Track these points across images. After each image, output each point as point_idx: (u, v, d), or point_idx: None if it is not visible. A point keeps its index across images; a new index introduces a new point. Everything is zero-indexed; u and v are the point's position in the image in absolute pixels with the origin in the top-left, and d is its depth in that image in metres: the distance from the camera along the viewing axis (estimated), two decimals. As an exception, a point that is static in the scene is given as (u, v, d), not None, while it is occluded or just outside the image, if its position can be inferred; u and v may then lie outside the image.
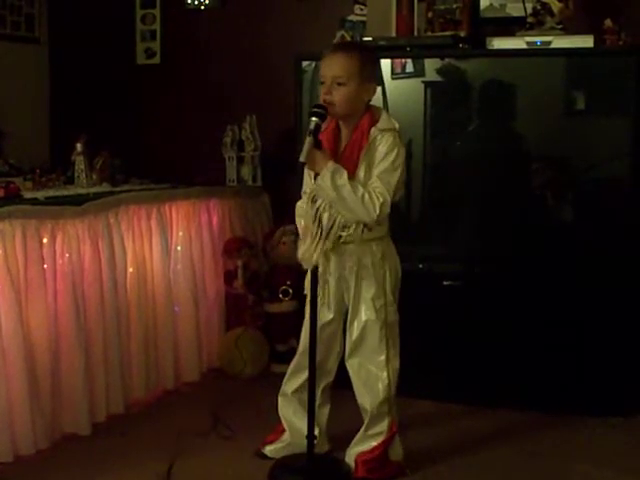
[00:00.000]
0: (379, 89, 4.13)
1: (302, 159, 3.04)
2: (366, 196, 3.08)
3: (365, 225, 3.19)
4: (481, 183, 4.18)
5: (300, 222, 3.30)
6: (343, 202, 3.10)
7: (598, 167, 4.01)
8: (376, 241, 3.25)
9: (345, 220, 3.17)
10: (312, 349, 3.20)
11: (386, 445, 3.30)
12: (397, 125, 3.21)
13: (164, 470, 3.33)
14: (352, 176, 3.13)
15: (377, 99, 4.13)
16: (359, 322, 3.28)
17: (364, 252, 3.24)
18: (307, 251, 3.21)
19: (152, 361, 4.16)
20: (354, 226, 3.19)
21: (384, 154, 3.14)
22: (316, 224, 3.19)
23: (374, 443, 3.30)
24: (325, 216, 3.19)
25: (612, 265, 3.97)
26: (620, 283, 3.96)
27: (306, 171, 3.23)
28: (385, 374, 3.26)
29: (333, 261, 3.26)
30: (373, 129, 3.16)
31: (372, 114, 3.21)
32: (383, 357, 3.26)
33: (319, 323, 3.25)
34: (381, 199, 3.09)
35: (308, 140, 3.05)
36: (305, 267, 3.27)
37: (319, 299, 3.25)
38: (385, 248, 3.28)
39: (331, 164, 3.08)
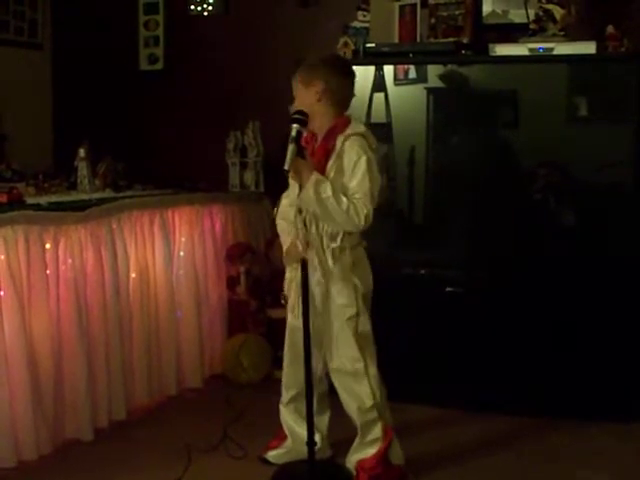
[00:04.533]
0: (382, 95, 4.18)
1: (286, 167, 3.06)
2: (351, 207, 3.09)
3: (337, 233, 3.20)
4: (484, 189, 4.18)
5: (281, 223, 3.35)
6: (327, 214, 3.11)
7: (601, 173, 4.01)
8: (347, 250, 3.23)
9: (332, 230, 3.20)
10: (307, 352, 3.19)
11: (385, 451, 3.29)
12: (363, 129, 3.23)
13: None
14: None
15: (380, 105, 4.18)
16: (331, 333, 3.27)
17: (336, 260, 3.22)
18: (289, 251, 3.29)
19: (154, 367, 4.16)
20: (323, 236, 3.22)
21: (353, 163, 3.15)
22: (302, 232, 3.21)
23: (372, 450, 3.29)
24: (312, 228, 3.22)
25: (614, 271, 3.97)
26: (622, 288, 3.96)
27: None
28: (366, 381, 3.25)
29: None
30: (339, 135, 3.19)
31: (342, 122, 3.24)
32: (360, 366, 3.25)
33: (299, 327, 3.25)
34: (365, 210, 3.10)
35: (291, 148, 3.07)
36: (286, 265, 3.34)
37: (293, 306, 3.33)
38: (356, 257, 3.26)
39: (314, 176, 3.09)
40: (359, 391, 3.27)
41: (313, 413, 3.23)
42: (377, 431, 3.29)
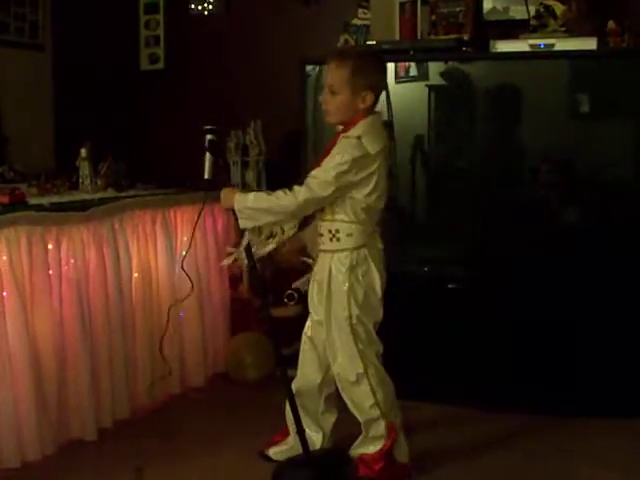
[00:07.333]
0: (383, 93, 4.17)
1: (208, 176, 3.18)
2: (280, 192, 3.15)
3: (334, 235, 3.21)
4: (486, 186, 4.18)
5: None
6: (267, 212, 3.16)
7: (603, 169, 4.00)
8: (345, 252, 3.21)
9: (331, 232, 3.22)
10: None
11: (389, 448, 3.29)
12: (359, 131, 3.13)
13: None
14: None
15: (381, 103, 4.15)
16: (331, 334, 3.27)
17: (334, 262, 3.22)
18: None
19: (157, 366, 4.16)
20: (324, 235, 3.24)
21: (330, 157, 3.14)
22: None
23: (375, 447, 3.29)
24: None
25: (617, 268, 3.96)
26: (625, 286, 3.95)
27: None
28: (365, 381, 3.24)
29: (315, 267, 3.34)
30: (341, 136, 3.17)
31: (354, 122, 3.17)
32: (359, 366, 3.24)
33: (312, 320, 3.38)
34: (304, 187, 3.11)
35: (208, 157, 3.21)
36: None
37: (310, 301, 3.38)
38: (355, 260, 3.21)
39: (237, 195, 3.19)
40: (359, 391, 3.26)
41: (297, 403, 3.31)
42: (380, 429, 3.28)
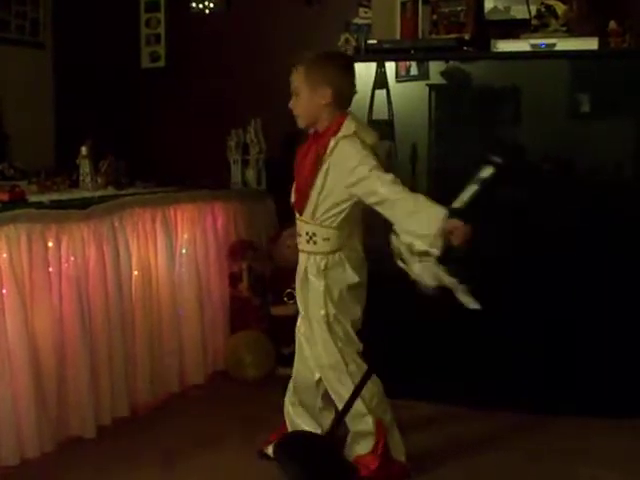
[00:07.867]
0: (383, 92, 4.18)
1: (458, 205, 3.09)
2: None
3: (311, 237, 3.24)
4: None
5: None
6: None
7: (603, 169, 4.00)
8: (320, 255, 3.24)
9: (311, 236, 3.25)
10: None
11: (383, 446, 3.27)
12: (353, 128, 3.16)
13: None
14: (308, 183, 3.18)
15: (382, 102, 4.18)
16: (313, 334, 3.31)
17: (310, 264, 3.27)
18: None
19: (157, 364, 4.16)
20: (302, 235, 3.28)
21: (354, 167, 3.09)
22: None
23: (368, 445, 3.27)
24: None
25: (617, 267, 3.96)
26: (624, 284, 3.95)
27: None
28: (348, 379, 3.25)
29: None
30: (332, 138, 3.17)
31: (338, 122, 3.19)
32: (340, 364, 3.26)
33: (301, 316, 3.39)
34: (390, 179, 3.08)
35: (472, 189, 3.10)
36: None
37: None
38: (330, 262, 3.24)
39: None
40: (341, 389, 3.27)
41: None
42: (367, 424, 3.27)
